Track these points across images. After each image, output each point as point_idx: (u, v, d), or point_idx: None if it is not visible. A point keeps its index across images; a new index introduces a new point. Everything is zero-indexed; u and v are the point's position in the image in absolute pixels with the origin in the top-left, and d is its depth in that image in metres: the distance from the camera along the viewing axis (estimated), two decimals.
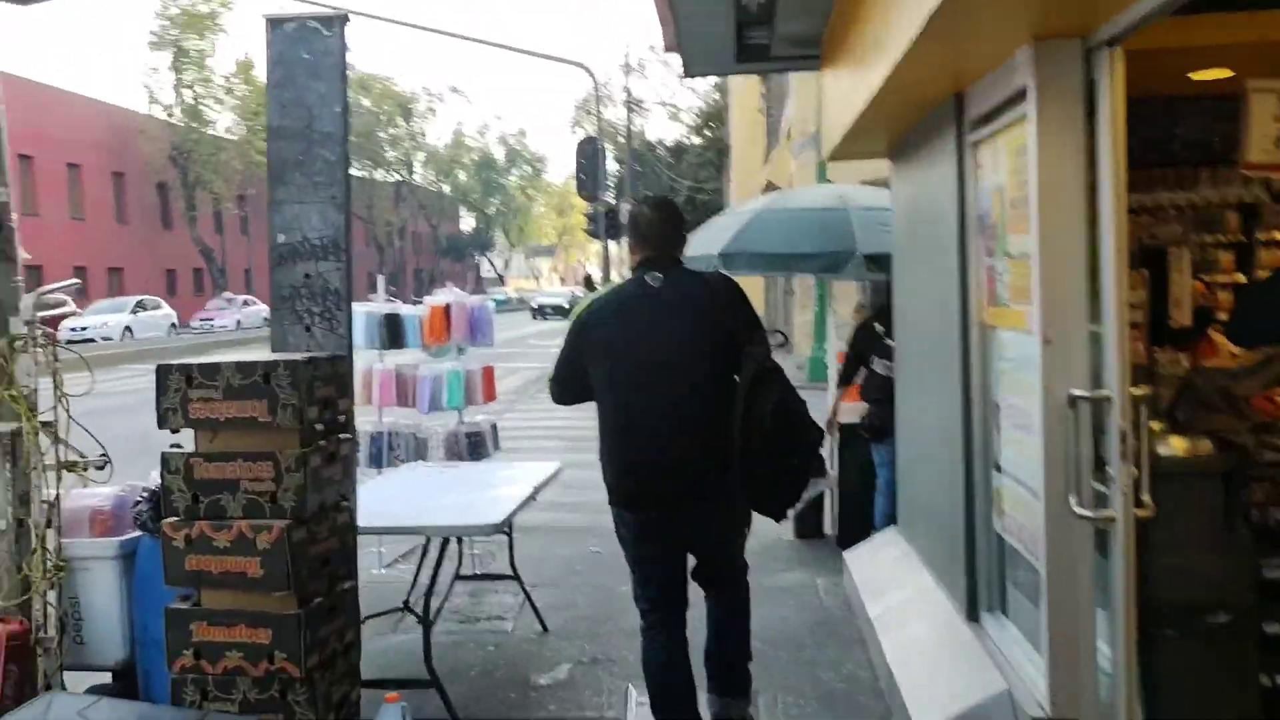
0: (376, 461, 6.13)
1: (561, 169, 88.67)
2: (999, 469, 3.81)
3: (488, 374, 6.47)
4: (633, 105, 61.00)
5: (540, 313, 52.99)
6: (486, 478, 5.41)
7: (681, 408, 3.49)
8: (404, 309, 6.26)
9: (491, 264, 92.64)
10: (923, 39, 3.26)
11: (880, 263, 6.29)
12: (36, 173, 42.40)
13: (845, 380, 6.38)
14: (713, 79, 56.06)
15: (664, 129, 58.35)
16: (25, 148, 41.47)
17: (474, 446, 6.15)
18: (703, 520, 3.59)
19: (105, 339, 32.45)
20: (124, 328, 34.05)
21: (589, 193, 18.88)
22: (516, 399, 15.45)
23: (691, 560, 3.79)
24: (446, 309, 6.12)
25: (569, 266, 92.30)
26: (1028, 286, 3.27)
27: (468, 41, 29.87)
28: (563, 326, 4.36)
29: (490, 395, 6.50)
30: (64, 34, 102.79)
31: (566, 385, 3.76)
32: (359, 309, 6.12)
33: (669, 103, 49.07)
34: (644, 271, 3.65)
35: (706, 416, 3.45)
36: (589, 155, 18.82)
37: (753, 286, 38.19)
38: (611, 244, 19.99)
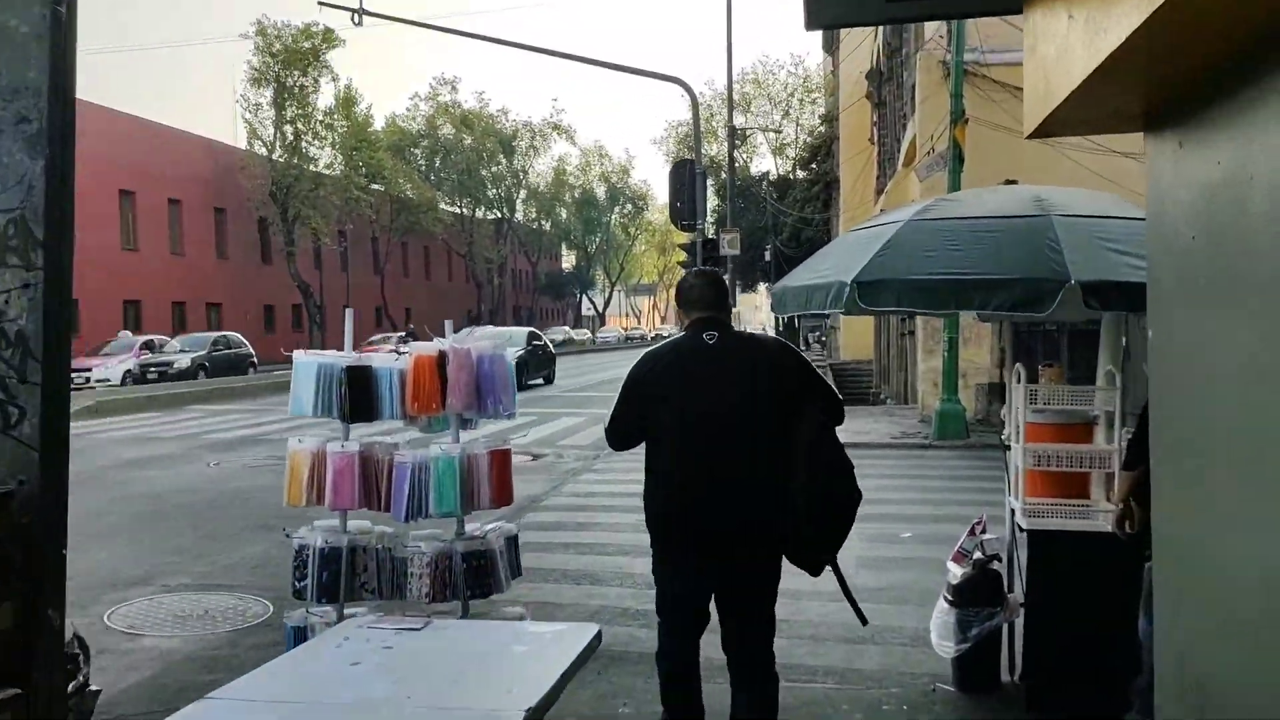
0: (330, 594, 4.05)
1: (663, 207, 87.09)
2: None
3: (499, 461, 4.33)
4: (736, 134, 59.30)
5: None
6: (465, 670, 3.12)
7: (732, 459, 3.56)
8: (378, 360, 4.14)
9: (592, 302, 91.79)
10: None
11: (1103, 296, 4.05)
12: (138, 208, 42.55)
13: (1131, 465, 3.99)
14: (819, 108, 54.07)
15: (767, 163, 56.15)
16: (127, 183, 41.72)
17: (477, 576, 4.04)
18: (739, 571, 3.61)
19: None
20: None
21: (686, 221, 16.85)
22: (598, 453, 13.40)
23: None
24: (440, 360, 4.01)
25: (671, 305, 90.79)
26: None
27: (564, 61, 28.17)
28: None
29: (502, 496, 4.37)
30: (167, 71, 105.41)
31: (621, 432, 3.84)
32: (307, 360, 4.08)
33: (771, 128, 46.58)
34: (700, 329, 3.74)
35: (757, 470, 3.52)
36: (685, 179, 16.80)
37: (861, 324, 35.75)
38: None
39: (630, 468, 11.56)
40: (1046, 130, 3.88)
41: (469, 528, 4.34)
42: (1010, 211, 4.56)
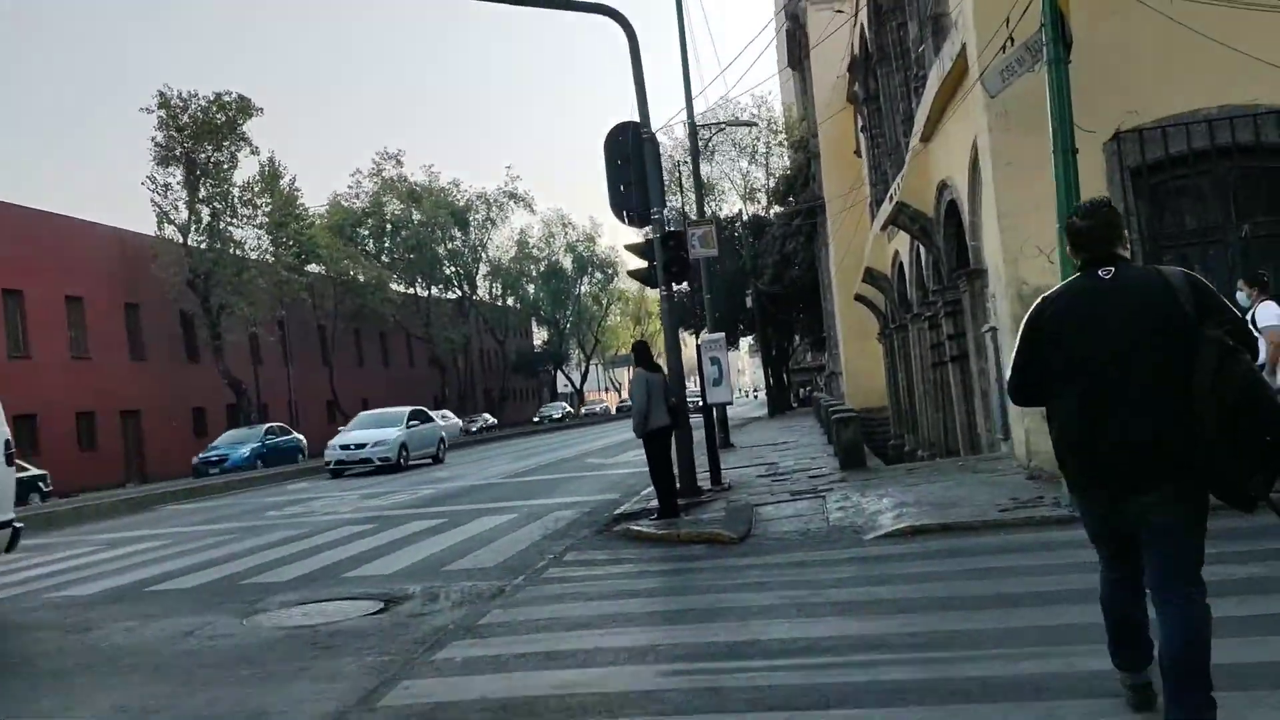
0: None
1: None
2: None
3: None
4: (702, 184, 54.62)
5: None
6: None
7: (1137, 392, 3.50)
8: None
9: (568, 378, 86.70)
10: None
11: None
12: (29, 309, 37.33)
13: None
14: (786, 151, 49.45)
15: (734, 207, 51.14)
16: (14, 282, 36.66)
17: None
18: (1157, 505, 3.50)
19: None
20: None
21: (635, 210, 11.56)
22: (503, 586, 8.03)
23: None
24: None
25: None
26: None
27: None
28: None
29: None
30: (59, 157, 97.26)
31: (1025, 378, 3.82)
32: None
33: (748, 120, 41.64)
34: (1093, 268, 3.70)
35: (1163, 400, 3.46)
36: (628, 151, 11.52)
37: (867, 362, 30.33)
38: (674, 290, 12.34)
39: (546, 624, 6.12)
40: None
41: None
42: None
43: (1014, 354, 3.84)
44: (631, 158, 11.53)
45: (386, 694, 5.27)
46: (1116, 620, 3.81)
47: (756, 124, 42.73)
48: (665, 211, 11.72)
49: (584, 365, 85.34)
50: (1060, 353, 3.64)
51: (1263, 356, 7.86)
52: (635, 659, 5.47)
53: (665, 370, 11.29)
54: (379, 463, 25.59)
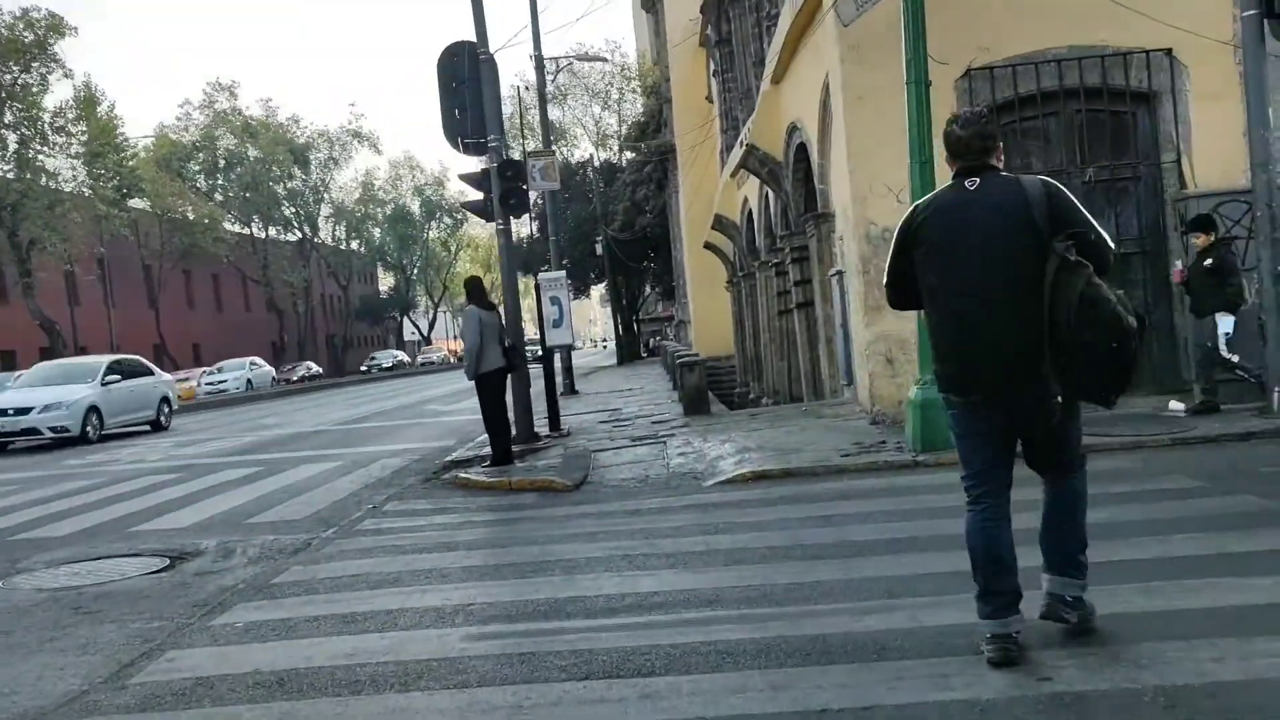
0: None
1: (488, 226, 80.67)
2: None
3: None
4: (550, 127, 53.48)
5: None
6: None
7: (1002, 299, 3.64)
8: None
9: (415, 325, 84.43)
10: None
11: None
12: None
13: None
14: (640, 98, 48.72)
15: (586, 153, 50.21)
16: None
17: None
18: (1027, 404, 3.69)
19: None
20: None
21: (471, 138, 10.70)
22: (310, 540, 7.31)
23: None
24: None
25: None
26: None
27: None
28: None
29: None
30: None
31: (897, 286, 3.94)
32: None
33: (597, 55, 40.53)
34: (961, 178, 3.81)
35: (1024, 307, 3.59)
36: (462, 72, 10.65)
37: (715, 309, 30.18)
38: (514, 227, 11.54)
39: (349, 582, 5.44)
40: None
41: None
42: None
43: (888, 262, 3.94)
44: (468, 81, 10.66)
45: (146, 667, 4.50)
46: (987, 561, 3.74)
47: (606, 59, 41.84)
48: (500, 136, 10.88)
49: (432, 312, 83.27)
50: (931, 262, 3.76)
51: None
52: (443, 621, 4.84)
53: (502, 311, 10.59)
54: (50, 435, 18.52)
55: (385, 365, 64.59)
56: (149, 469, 12.97)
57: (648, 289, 53.08)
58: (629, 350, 46.26)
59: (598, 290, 60.72)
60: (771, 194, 16.99)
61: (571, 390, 20.76)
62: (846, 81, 9.80)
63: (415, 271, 79.42)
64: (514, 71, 61.27)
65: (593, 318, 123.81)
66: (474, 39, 10.85)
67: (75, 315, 44.13)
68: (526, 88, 42.74)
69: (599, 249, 39.09)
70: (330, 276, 71.43)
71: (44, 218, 39.26)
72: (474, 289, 10.18)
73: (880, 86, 9.49)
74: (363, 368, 65.60)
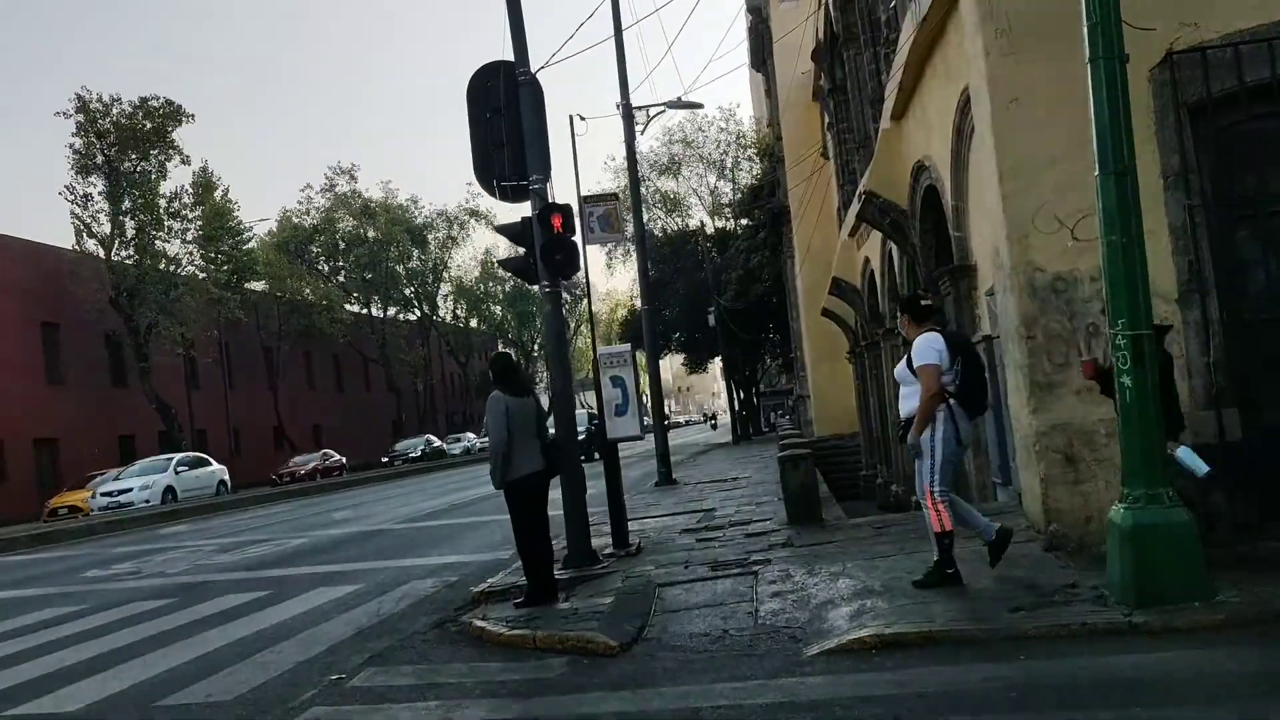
0: None
1: (605, 295, 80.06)
2: None
3: None
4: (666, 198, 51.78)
5: None
6: None
7: None
8: None
9: (538, 401, 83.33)
10: None
11: None
12: None
13: None
14: (755, 165, 46.60)
15: (697, 221, 48.30)
16: None
17: None
18: None
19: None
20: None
21: (509, 180, 8.49)
22: None
23: None
24: None
25: None
26: None
27: None
28: None
29: None
30: None
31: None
32: None
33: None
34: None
35: None
36: (496, 101, 8.49)
37: (838, 383, 27.32)
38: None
39: None
40: None
41: None
42: None
43: None
44: (505, 109, 8.49)
45: None
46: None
47: (701, 105, 39.89)
48: (548, 179, 8.58)
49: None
50: None
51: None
52: None
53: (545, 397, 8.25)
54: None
55: (411, 455, 50.23)
56: (149, 590, 10.95)
57: (767, 360, 50.42)
58: (746, 427, 43.54)
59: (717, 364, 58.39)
60: (896, 250, 14.38)
61: (668, 479, 18.24)
62: (994, 80, 7.17)
63: (535, 348, 78.61)
64: (618, 139, 59.90)
65: (716, 390, 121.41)
66: (512, 58, 8.67)
67: (194, 398, 44.08)
68: (642, 168, 41.26)
69: (711, 320, 36.75)
70: (449, 354, 71.06)
71: (160, 302, 39.34)
72: (500, 369, 7.91)
73: (1042, 83, 6.89)
74: (384, 459, 50.85)
